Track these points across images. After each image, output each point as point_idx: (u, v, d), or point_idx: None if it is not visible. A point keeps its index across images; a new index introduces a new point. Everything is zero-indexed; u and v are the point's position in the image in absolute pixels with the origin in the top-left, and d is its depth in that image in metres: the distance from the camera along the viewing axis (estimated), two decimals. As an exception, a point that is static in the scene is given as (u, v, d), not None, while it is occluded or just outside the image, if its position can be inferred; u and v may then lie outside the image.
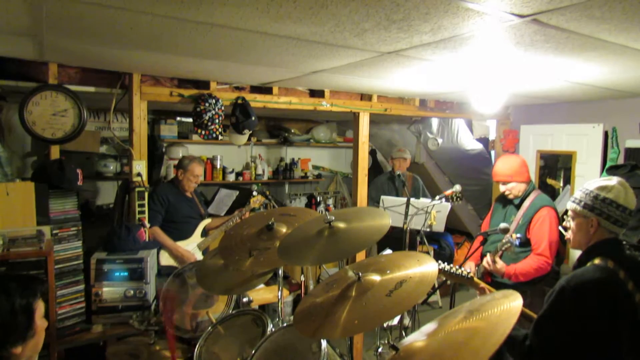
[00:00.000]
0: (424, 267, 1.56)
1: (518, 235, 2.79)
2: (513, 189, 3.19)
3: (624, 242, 1.80)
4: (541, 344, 1.66)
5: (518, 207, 3.20)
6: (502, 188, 3.26)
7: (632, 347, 1.62)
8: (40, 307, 1.51)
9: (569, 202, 1.89)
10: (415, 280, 1.50)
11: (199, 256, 3.67)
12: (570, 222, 1.89)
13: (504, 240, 2.74)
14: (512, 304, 1.33)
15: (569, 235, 1.91)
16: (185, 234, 3.72)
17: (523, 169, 3.21)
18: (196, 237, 3.80)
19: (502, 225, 2.76)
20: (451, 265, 2.20)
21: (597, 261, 1.72)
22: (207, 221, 3.92)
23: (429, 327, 1.45)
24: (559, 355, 1.66)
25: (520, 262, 3.01)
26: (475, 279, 2.18)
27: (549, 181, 4.45)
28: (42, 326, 1.52)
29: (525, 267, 2.97)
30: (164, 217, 3.63)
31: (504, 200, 3.36)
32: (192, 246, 3.72)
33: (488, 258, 2.94)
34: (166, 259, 3.55)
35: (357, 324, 1.44)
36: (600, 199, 1.77)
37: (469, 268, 3.33)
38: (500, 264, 2.92)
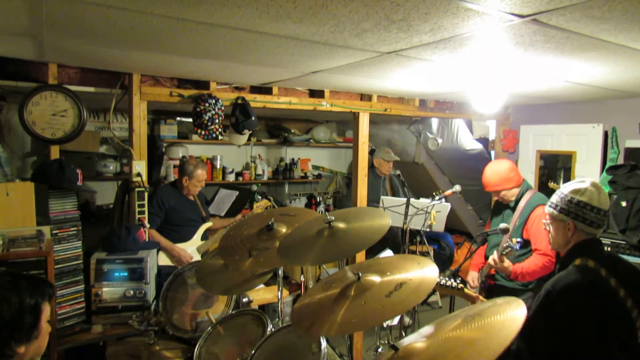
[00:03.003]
0: (424, 271, 1.56)
1: (518, 239, 2.77)
2: (505, 195, 3.19)
3: (625, 243, 1.82)
4: (528, 348, 1.66)
5: (515, 208, 3.19)
6: (494, 196, 3.31)
7: (622, 343, 1.63)
8: (46, 310, 1.52)
9: (547, 206, 1.93)
10: (415, 282, 1.50)
11: (197, 259, 3.66)
12: (549, 226, 1.93)
13: (504, 245, 2.71)
14: (514, 312, 1.30)
15: (549, 237, 1.95)
16: (186, 237, 3.72)
17: (511, 174, 3.17)
18: (196, 240, 3.79)
19: (502, 225, 2.73)
20: (440, 277, 2.17)
21: (577, 262, 1.76)
22: (208, 224, 3.92)
23: (427, 329, 1.44)
24: (546, 359, 1.67)
25: (526, 261, 2.96)
26: (466, 290, 2.16)
27: (551, 185, 4.43)
28: (47, 330, 1.53)
29: (531, 267, 2.92)
30: (164, 220, 3.63)
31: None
32: (191, 249, 3.72)
33: (495, 255, 2.83)
34: (163, 260, 3.54)
35: (355, 322, 1.44)
36: (574, 202, 1.80)
37: (471, 277, 3.31)
38: (507, 262, 2.83)
